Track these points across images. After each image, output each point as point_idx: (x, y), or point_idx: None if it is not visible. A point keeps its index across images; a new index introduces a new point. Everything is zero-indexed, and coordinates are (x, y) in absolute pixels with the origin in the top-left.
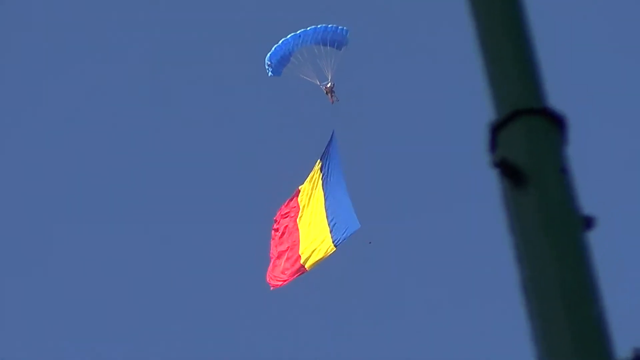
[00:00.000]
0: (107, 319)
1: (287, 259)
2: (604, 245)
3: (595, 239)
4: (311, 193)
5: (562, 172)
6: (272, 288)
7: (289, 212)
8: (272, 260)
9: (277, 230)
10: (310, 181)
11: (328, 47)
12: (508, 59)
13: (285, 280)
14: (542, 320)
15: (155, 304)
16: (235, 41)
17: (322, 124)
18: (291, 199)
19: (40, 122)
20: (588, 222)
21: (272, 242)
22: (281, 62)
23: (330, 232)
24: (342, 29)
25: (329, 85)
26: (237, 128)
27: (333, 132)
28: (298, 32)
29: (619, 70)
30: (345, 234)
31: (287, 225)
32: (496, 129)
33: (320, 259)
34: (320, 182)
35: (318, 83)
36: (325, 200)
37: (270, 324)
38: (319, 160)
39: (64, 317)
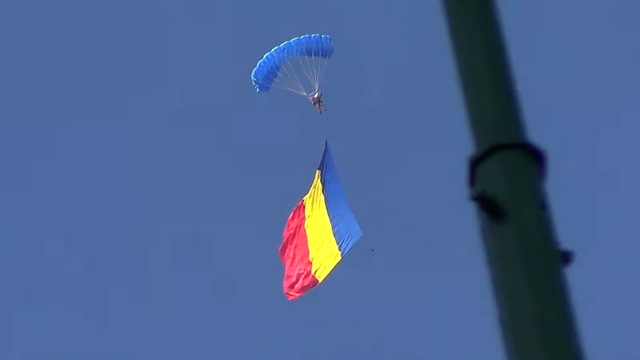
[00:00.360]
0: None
1: (300, 272)
2: (581, 280)
3: (573, 273)
4: (314, 204)
5: (540, 206)
6: (289, 299)
7: (295, 225)
8: (286, 274)
9: (286, 243)
10: (312, 193)
11: (313, 57)
12: (487, 93)
13: (300, 294)
14: (520, 356)
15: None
16: (223, 55)
17: (314, 135)
18: (296, 212)
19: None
20: (566, 257)
21: (283, 256)
22: (268, 77)
23: (336, 242)
24: (326, 37)
25: (316, 96)
26: (231, 144)
27: (326, 142)
28: (282, 45)
29: (599, 103)
30: (349, 242)
31: (295, 238)
32: (475, 163)
33: (330, 270)
34: (321, 193)
35: (305, 94)
36: (327, 210)
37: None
38: (317, 171)
39: None
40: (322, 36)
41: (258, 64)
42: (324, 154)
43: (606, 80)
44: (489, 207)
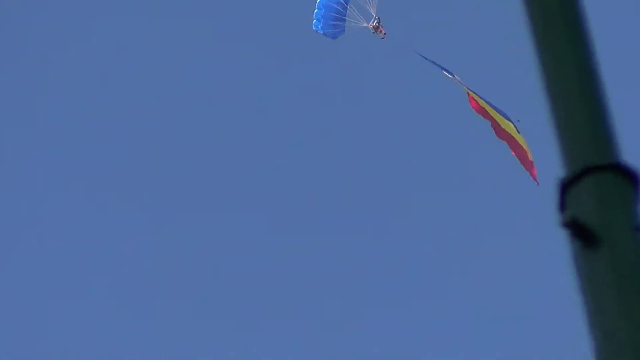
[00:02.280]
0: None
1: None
2: None
3: None
4: (474, 96)
5: (636, 230)
6: (536, 180)
7: (490, 117)
8: (517, 157)
9: (500, 134)
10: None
11: None
12: (578, 112)
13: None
14: None
15: None
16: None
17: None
18: (472, 101)
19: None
20: None
21: (503, 137)
22: (335, 25)
23: (511, 122)
24: None
25: (375, 23)
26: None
27: (420, 54)
28: None
29: None
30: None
31: (499, 128)
32: (566, 187)
33: (527, 148)
34: (464, 86)
35: (366, 25)
36: (481, 97)
37: None
38: (444, 72)
39: None
40: None
41: (315, 16)
42: (428, 60)
43: None
44: (581, 233)
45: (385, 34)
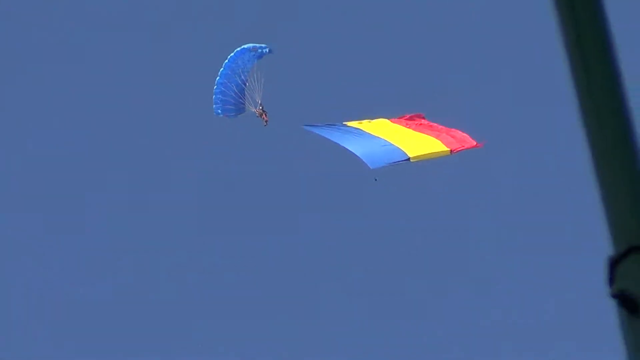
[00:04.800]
0: None
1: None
2: None
3: None
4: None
5: None
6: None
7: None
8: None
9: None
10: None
11: (255, 68)
12: (623, 194)
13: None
14: None
15: None
16: None
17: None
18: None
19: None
20: None
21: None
22: (237, 103)
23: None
24: (248, 46)
25: (259, 109)
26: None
27: (307, 126)
28: (221, 70)
29: None
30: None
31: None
32: (614, 264)
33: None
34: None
35: (253, 110)
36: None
37: None
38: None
39: None
40: (245, 46)
41: (214, 96)
42: (317, 130)
43: None
44: (627, 303)
45: (267, 121)
